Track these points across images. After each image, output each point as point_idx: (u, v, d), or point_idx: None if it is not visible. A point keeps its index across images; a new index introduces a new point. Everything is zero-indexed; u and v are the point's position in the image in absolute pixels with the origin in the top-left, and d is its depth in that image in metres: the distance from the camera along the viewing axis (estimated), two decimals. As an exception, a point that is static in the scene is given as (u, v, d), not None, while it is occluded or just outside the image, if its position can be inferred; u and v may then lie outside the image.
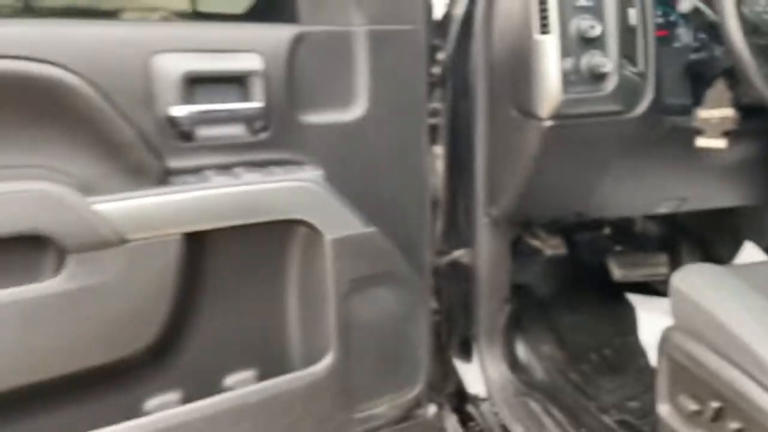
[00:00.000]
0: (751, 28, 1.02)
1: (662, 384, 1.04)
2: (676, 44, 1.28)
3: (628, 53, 1.16)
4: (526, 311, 1.65)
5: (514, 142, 1.28)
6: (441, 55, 1.44)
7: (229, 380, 1.18)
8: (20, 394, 0.96)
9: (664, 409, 1.02)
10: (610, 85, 1.14)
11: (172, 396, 1.13)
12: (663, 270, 1.77)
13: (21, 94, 0.93)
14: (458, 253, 1.51)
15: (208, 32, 1.10)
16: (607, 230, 1.80)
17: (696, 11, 1.17)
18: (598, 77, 1.13)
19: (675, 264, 1.82)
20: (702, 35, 1.32)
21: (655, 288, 1.88)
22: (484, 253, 1.48)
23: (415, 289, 1.27)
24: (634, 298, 1.81)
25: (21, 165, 0.96)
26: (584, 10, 1.12)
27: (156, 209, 1.00)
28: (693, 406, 0.95)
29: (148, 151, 1.03)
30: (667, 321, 1.73)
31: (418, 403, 1.47)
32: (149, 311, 1.03)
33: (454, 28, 1.41)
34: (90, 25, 1.02)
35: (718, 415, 0.90)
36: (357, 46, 1.19)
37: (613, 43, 1.13)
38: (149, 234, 0.99)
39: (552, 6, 1.12)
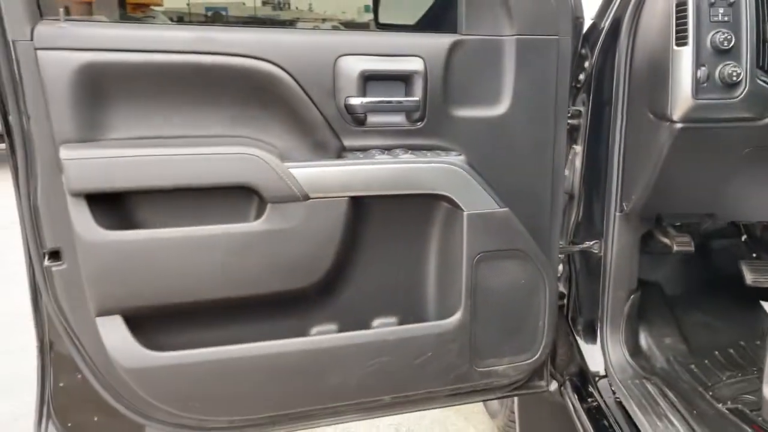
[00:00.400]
0: None
1: (768, 369, 1.12)
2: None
3: (762, 64, 1.23)
4: (653, 306, 1.73)
5: (648, 142, 1.40)
6: (587, 63, 1.58)
7: (375, 322, 1.44)
8: (223, 304, 1.29)
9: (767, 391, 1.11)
10: (742, 93, 1.22)
11: (331, 327, 1.41)
12: (799, 279, 1.75)
13: (244, 83, 1.25)
14: (590, 244, 1.65)
15: (381, 40, 1.35)
16: (744, 237, 1.81)
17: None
18: (730, 85, 1.22)
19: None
20: None
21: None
22: (615, 244, 1.60)
23: (542, 268, 1.44)
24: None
25: (240, 136, 1.29)
26: (721, 24, 1.22)
27: (332, 176, 1.27)
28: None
29: (330, 131, 1.30)
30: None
31: (539, 375, 1.64)
32: (320, 255, 1.31)
33: (600, 40, 1.54)
34: (293, 32, 1.32)
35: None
36: (506, 52, 1.38)
37: (747, 54, 1.22)
38: (325, 194, 1.27)
39: (690, 20, 1.23)
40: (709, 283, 1.87)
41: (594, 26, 1.57)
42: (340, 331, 1.40)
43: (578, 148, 1.61)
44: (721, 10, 1.22)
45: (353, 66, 1.29)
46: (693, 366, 1.60)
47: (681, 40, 1.24)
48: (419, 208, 1.39)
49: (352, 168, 1.28)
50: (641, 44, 1.43)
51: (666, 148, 1.32)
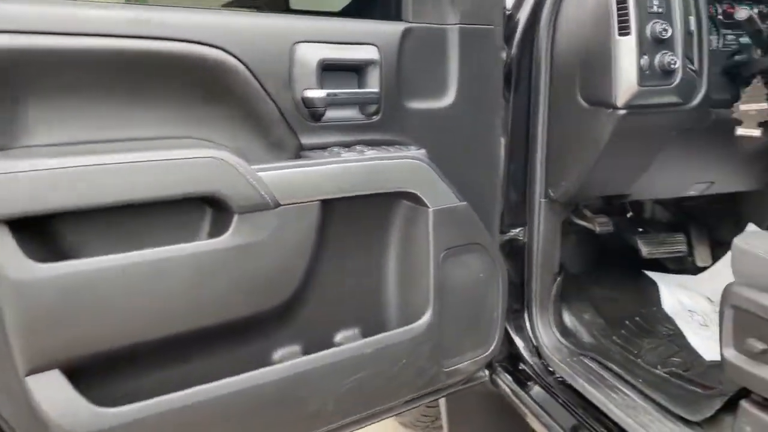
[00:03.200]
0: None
1: (727, 332, 1.22)
2: (717, 48, 1.49)
3: (687, 53, 1.35)
4: (567, 286, 1.83)
5: (582, 130, 1.46)
6: (504, 54, 1.61)
7: (339, 336, 1.32)
8: (181, 338, 1.08)
9: (729, 353, 1.21)
10: (677, 80, 1.33)
11: (293, 348, 1.26)
12: (682, 248, 1.99)
13: (188, 73, 1.05)
14: (516, 231, 1.68)
15: (337, 25, 1.23)
16: (629, 214, 2.00)
17: (750, 20, 1.37)
18: (667, 73, 1.32)
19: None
20: (739, 40, 1.54)
21: (664, 266, 2.11)
22: (540, 231, 1.66)
23: (495, 259, 1.43)
24: (653, 275, 2.02)
25: (185, 136, 1.08)
26: (656, 15, 1.31)
27: (303, 179, 1.13)
28: (762, 346, 1.14)
29: (287, 127, 1.16)
30: (684, 293, 1.95)
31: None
32: (290, 269, 1.16)
33: (519, 31, 1.58)
34: (244, 15, 1.14)
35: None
36: (450, 41, 1.34)
37: (679, 44, 1.32)
38: (297, 200, 1.12)
39: (631, 11, 1.30)
40: (602, 259, 2.03)
41: (510, 18, 1.60)
42: (306, 350, 1.26)
43: (502, 139, 1.64)
44: (656, 2, 1.31)
45: (311, 54, 1.16)
46: (615, 337, 1.72)
47: (624, 30, 1.31)
48: (382, 207, 1.30)
49: (324, 168, 1.15)
50: (567, 35, 1.48)
51: (607, 134, 1.39)
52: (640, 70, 1.30)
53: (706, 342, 1.71)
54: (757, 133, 1.43)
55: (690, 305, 1.89)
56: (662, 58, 1.30)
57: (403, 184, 1.26)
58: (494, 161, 1.49)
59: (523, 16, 1.58)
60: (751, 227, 2.00)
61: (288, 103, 1.15)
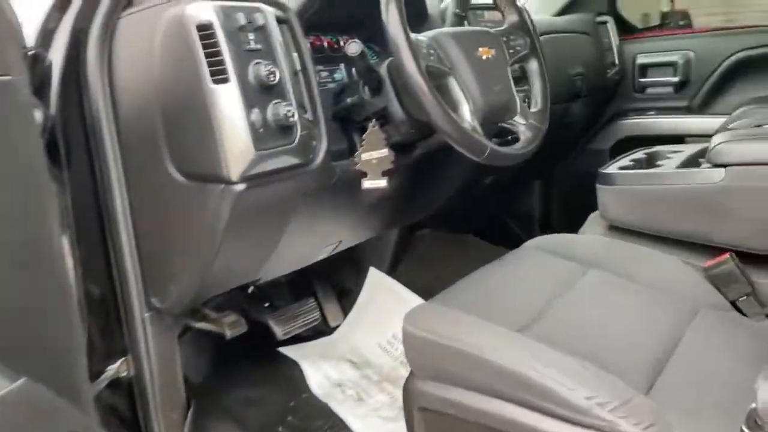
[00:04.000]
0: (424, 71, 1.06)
1: (421, 438, 0.97)
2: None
3: (299, 100, 1.04)
4: (198, 405, 1.38)
5: (187, 214, 1.03)
6: (39, 114, 1.06)
7: None
8: None
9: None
10: (297, 136, 1.01)
11: None
12: (316, 315, 1.73)
13: None
14: (115, 367, 1.15)
15: None
16: (251, 290, 1.64)
17: (362, 56, 1.14)
18: (285, 129, 0.98)
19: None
20: (334, 76, 1.34)
21: (299, 335, 1.84)
22: (152, 355, 1.17)
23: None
24: (289, 351, 1.73)
25: None
26: (257, 53, 0.96)
27: None
28: (466, 452, 0.91)
29: None
30: (327, 364, 1.71)
31: None
32: None
33: (55, 80, 1.06)
34: None
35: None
36: None
37: (290, 89, 1.01)
38: None
39: (224, 49, 0.92)
40: (229, 352, 1.63)
41: (36, 60, 1.06)
42: None
43: (65, 242, 1.08)
44: (251, 36, 0.96)
45: None
46: (277, 458, 1.35)
47: (219, 76, 0.92)
48: None
49: None
50: (133, 81, 1.03)
51: (224, 217, 0.99)
52: (253, 129, 0.94)
53: (366, 422, 1.49)
54: (383, 183, 1.24)
55: (337, 378, 1.65)
56: (276, 109, 0.96)
57: None
58: (61, 282, 0.94)
59: (57, 57, 1.07)
60: (372, 272, 1.89)
61: None
